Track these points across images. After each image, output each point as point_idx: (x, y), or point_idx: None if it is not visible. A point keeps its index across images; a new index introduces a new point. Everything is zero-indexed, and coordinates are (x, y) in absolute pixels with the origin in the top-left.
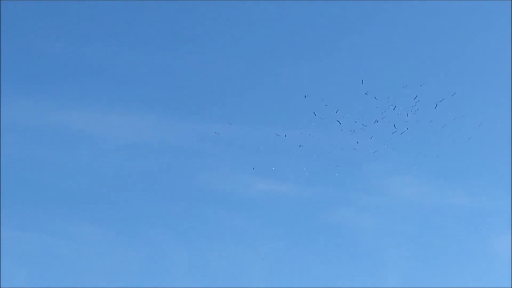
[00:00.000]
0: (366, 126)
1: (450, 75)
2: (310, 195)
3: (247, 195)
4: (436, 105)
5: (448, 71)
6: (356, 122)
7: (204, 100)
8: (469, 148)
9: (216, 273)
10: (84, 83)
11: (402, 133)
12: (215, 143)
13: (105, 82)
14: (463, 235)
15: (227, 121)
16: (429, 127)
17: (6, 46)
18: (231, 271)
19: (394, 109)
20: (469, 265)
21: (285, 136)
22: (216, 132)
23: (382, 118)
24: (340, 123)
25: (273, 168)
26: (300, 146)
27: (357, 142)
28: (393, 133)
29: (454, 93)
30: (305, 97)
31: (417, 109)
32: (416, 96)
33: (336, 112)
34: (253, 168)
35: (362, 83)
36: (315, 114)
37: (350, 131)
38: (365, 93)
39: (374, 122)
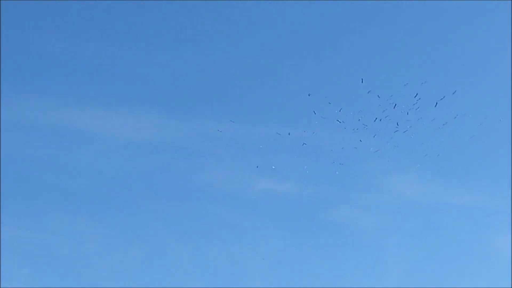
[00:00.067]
0: (367, 126)
1: (451, 74)
2: (311, 193)
3: (248, 193)
4: (437, 103)
5: (448, 69)
6: (359, 120)
7: (205, 99)
8: (470, 147)
9: (217, 272)
10: (84, 82)
11: (404, 131)
12: (216, 142)
13: (106, 81)
14: (464, 234)
15: (229, 120)
16: (430, 126)
17: (6, 45)
18: (232, 269)
19: (394, 107)
20: (469, 263)
21: (289, 134)
22: (218, 130)
23: (385, 117)
24: (340, 122)
25: (273, 167)
26: (304, 144)
27: (360, 141)
28: (395, 132)
29: (455, 91)
30: (308, 95)
31: (418, 108)
32: (417, 94)
33: (340, 110)
34: (257, 167)
35: (362, 82)
36: (315, 113)
37: (353, 129)
38: (368, 92)
39: (375, 121)
